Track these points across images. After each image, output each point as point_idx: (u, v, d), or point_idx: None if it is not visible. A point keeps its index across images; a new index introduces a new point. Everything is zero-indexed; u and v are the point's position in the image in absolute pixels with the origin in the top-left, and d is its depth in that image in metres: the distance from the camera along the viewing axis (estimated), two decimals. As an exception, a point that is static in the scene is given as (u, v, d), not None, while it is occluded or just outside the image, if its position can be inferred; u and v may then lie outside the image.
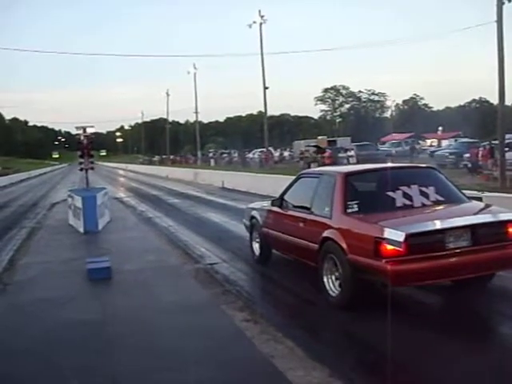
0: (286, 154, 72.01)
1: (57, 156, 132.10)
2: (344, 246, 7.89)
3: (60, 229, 18.99)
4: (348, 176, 8.85)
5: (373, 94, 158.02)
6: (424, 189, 8.43)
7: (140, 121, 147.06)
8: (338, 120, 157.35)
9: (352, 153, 41.33)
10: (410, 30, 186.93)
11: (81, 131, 20.92)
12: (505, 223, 7.75)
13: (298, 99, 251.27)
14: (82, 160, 21.02)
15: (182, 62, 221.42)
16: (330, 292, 8.34)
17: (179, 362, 6.56)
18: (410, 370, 6.09)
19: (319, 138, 71.37)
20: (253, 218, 12.02)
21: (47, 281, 11.35)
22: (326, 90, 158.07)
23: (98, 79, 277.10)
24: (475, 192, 13.89)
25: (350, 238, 7.90)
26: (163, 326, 7.94)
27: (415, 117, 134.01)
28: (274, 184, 27.44)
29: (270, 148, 62.92)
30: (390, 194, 8.25)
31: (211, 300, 9.11)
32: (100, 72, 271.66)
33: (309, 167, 40.17)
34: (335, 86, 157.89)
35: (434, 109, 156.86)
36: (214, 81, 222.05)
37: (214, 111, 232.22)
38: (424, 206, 8.24)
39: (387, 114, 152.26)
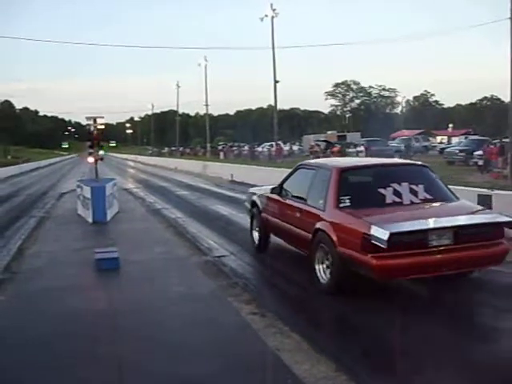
0: (295, 148, 71.96)
1: (66, 146, 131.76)
2: (334, 238, 8.36)
3: (69, 218, 19.05)
4: (343, 171, 9.22)
5: (383, 89, 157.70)
6: (414, 187, 8.78)
7: (150, 112, 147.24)
8: (347, 115, 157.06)
9: (361, 148, 41.19)
10: (423, 26, 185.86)
11: (91, 121, 20.91)
12: (486, 225, 8.21)
13: (309, 93, 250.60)
14: (91, 150, 21.01)
15: (192, 54, 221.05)
16: (321, 279, 8.86)
17: (185, 354, 6.57)
18: (412, 361, 6.14)
19: (329, 132, 71.53)
20: (254, 203, 12.50)
21: (55, 270, 11.37)
22: (336, 85, 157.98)
23: (109, 70, 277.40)
24: (485, 190, 13.85)
25: (340, 232, 8.36)
26: (170, 318, 7.97)
27: (426, 113, 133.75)
28: (282, 178, 27.60)
29: (280, 142, 62.75)
30: (381, 190, 8.69)
31: (218, 292, 9.12)
32: (111, 63, 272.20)
33: (318, 162, 40.25)
34: (346, 81, 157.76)
35: (445, 106, 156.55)
36: (225, 74, 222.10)
37: (225, 104, 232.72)
38: (412, 203, 8.63)
39: (397, 110, 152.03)
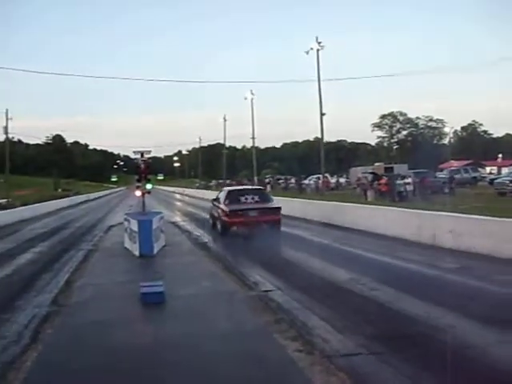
0: (342, 180, 71.59)
1: (115, 179, 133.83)
2: (222, 213, 22.52)
3: (116, 252, 19.20)
4: (229, 190, 24.76)
5: (431, 120, 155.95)
6: (253, 196, 22.89)
7: (197, 146, 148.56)
8: (395, 146, 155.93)
9: (409, 180, 40.67)
10: (469, 56, 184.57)
11: (138, 155, 21.14)
12: (272, 208, 22.18)
13: (355, 125, 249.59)
14: (138, 184, 21.20)
15: (239, 88, 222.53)
16: (219, 229, 23.01)
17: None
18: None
19: (376, 164, 70.90)
20: (211, 208, 26.27)
21: (101, 303, 11.42)
22: (383, 117, 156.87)
23: (157, 104, 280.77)
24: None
25: (223, 212, 22.22)
26: (215, 354, 7.84)
27: (474, 143, 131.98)
28: (329, 211, 27.37)
29: (327, 174, 62.49)
30: (239, 197, 22.70)
31: (264, 328, 8.97)
32: (159, 98, 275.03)
33: (365, 194, 39.95)
34: (392, 112, 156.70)
35: (494, 136, 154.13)
36: (272, 107, 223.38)
37: (271, 137, 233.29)
38: (250, 202, 22.35)
39: (445, 141, 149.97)
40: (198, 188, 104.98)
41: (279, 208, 22.36)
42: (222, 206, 22.73)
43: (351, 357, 7.39)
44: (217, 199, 24.20)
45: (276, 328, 8.86)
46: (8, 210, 42.62)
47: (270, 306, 10.53)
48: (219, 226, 23.02)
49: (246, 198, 22.66)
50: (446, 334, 7.84)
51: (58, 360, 7.90)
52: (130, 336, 8.86)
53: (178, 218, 34.49)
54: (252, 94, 78.35)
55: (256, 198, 22.72)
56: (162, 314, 10.31)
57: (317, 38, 54.07)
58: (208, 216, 26.30)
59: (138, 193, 21.19)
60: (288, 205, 34.88)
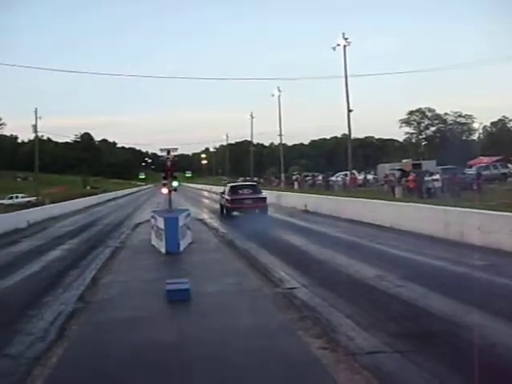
0: (369, 177, 71.10)
1: (143, 177, 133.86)
2: (226, 202, 32.04)
3: (142, 249, 19.31)
4: (232, 186, 35.15)
5: (459, 116, 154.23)
6: (249, 189, 32.99)
7: (225, 143, 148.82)
8: (423, 143, 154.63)
9: (437, 176, 40.28)
10: (498, 50, 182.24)
11: (165, 153, 21.22)
12: (260, 198, 31.53)
13: (383, 122, 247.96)
14: (165, 182, 21.30)
15: (266, 85, 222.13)
16: (224, 213, 32.70)
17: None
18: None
19: (404, 161, 70.35)
20: (220, 198, 35.64)
21: (126, 301, 11.51)
22: (411, 113, 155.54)
23: (186, 102, 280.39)
24: None
25: (227, 201, 31.78)
26: (239, 351, 7.84)
27: (504, 139, 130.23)
28: (356, 208, 27.24)
29: (354, 171, 62.10)
30: (238, 190, 32.67)
31: (288, 325, 8.95)
32: (188, 95, 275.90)
33: (392, 191, 39.65)
34: (420, 108, 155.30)
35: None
36: (299, 103, 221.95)
37: (299, 134, 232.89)
38: (246, 194, 31.79)
39: (474, 137, 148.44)
40: (225, 185, 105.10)
41: (265, 197, 32.26)
42: (226, 196, 32.42)
43: (376, 355, 7.33)
44: (223, 192, 34.77)
45: (301, 325, 8.86)
46: (37, 208, 43.10)
47: (294, 303, 10.52)
48: (225, 211, 32.76)
49: (243, 191, 32.43)
50: (473, 331, 7.76)
51: (83, 356, 7.96)
52: (155, 333, 8.88)
53: (205, 215, 34.61)
54: (279, 90, 78.04)
55: (250, 191, 32.50)
56: (186, 312, 10.33)
57: (343, 35, 53.80)
58: (218, 206, 36.99)
59: (165, 190, 21.31)
60: (315, 202, 34.91)
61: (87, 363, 7.65)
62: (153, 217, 20.88)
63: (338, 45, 53.98)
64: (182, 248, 18.01)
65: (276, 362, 7.28)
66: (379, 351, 7.46)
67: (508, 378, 6.50)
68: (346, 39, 53.75)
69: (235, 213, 30.93)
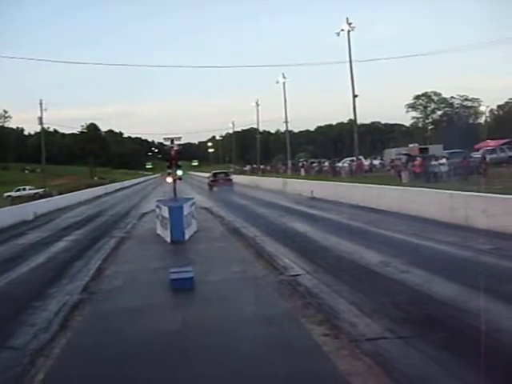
0: (376, 162, 70.91)
1: (150, 166, 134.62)
2: (209, 181, 57.88)
3: (148, 238, 19.33)
4: (213, 173, 59.17)
5: (466, 99, 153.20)
6: (222, 174, 58.64)
7: (231, 131, 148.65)
8: (429, 127, 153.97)
9: (443, 160, 40.08)
10: (503, 32, 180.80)
11: (169, 142, 21.18)
12: (228, 179, 56.60)
13: (389, 107, 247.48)
14: (169, 171, 21.28)
15: (270, 71, 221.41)
16: (214, 189, 52.76)
17: (256, 375, 6.48)
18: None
19: (410, 145, 70.07)
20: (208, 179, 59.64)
21: (131, 290, 11.53)
22: (417, 97, 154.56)
23: (191, 91, 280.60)
24: None
25: (210, 180, 57.57)
26: (242, 338, 7.86)
27: (511, 122, 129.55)
28: (363, 194, 27.17)
29: (361, 157, 61.97)
30: (217, 175, 57.73)
31: (291, 312, 8.94)
32: (193, 84, 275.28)
33: (399, 176, 39.51)
34: (426, 92, 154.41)
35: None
36: (304, 90, 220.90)
37: (305, 120, 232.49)
38: (221, 177, 57.06)
39: (481, 120, 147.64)
40: (233, 173, 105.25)
41: (232, 179, 56.53)
42: (210, 178, 56.36)
43: (378, 341, 7.31)
44: (208, 176, 59.45)
45: (304, 312, 8.86)
46: (45, 200, 43.24)
47: (298, 290, 10.50)
48: (208, 187, 54.73)
49: (219, 176, 56.68)
50: (477, 317, 7.70)
51: (86, 347, 7.98)
52: (158, 322, 8.88)
53: (211, 203, 34.51)
54: (284, 77, 77.90)
55: (223, 175, 57.48)
56: (189, 301, 10.33)
57: (347, 19, 53.54)
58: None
59: (170, 179, 21.26)
60: (321, 188, 34.87)
61: (91, 353, 7.67)
62: (158, 206, 20.89)
63: (342, 30, 53.74)
64: (187, 237, 18.00)
65: (278, 349, 7.27)
66: (382, 337, 7.44)
67: (511, 361, 6.47)
68: (349, 24, 53.49)
69: (215, 188, 52.01)
